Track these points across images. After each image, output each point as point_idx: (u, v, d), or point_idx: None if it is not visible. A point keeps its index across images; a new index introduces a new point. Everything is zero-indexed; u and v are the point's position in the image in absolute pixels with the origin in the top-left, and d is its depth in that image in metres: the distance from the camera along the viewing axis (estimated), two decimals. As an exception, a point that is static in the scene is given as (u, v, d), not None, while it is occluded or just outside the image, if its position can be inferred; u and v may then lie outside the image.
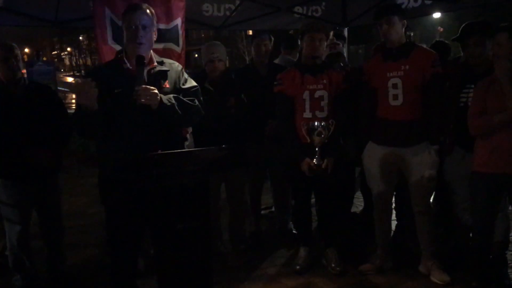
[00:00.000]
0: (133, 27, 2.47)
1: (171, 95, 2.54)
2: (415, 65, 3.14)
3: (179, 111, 2.53)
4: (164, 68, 2.62)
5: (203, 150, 2.61)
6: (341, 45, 4.02)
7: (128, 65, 2.52)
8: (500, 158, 2.81)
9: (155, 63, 2.60)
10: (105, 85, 2.41)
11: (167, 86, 2.59)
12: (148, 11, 2.53)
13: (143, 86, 2.41)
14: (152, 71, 2.57)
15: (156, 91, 2.43)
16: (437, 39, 3.92)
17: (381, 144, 3.29)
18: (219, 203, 3.82)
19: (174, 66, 2.70)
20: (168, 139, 2.57)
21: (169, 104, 2.49)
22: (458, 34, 3.24)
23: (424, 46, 3.48)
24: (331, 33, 3.46)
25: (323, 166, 3.24)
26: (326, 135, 3.17)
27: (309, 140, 3.22)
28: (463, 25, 3.30)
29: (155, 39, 2.61)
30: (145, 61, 2.48)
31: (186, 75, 2.74)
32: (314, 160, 3.23)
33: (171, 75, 2.63)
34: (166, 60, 2.69)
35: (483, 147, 2.90)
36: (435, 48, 3.68)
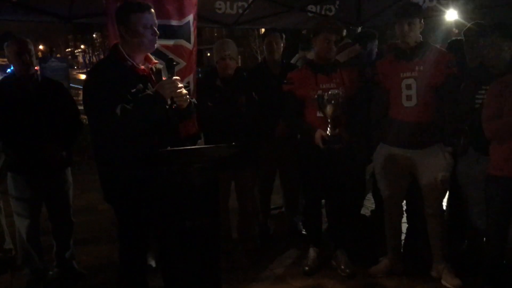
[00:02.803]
0: (150, 25, 2.45)
1: None
2: (429, 65, 3.09)
3: (191, 113, 2.57)
4: (160, 66, 2.62)
5: (213, 147, 2.59)
6: (356, 44, 3.99)
7: (131, 61, 2.47)
8: (516, 161, 2.75)
9: (155, 61, 2.60)
10: (116, 84, 2.37)
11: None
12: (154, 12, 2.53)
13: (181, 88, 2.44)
14: (154, 69, 2.57)
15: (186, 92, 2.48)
16: (454, 38, 3.84)
17: (393, 146, 3.24)
18: (228, 202, 3.81)
19: (163, 64, 2.71)
20: (176, 137, 2.57)
21: (193, 106, 2.56)
22: (466, 34, 3.19)
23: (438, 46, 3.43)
24: (344, 32, 3.40)
25: (337, 147, 3.18)
26: (337, 103, 3.10)
27: (321, 113, 3.17)
28: (471, 24, 3.25)
29: None
30: (174, 63, 2.51)
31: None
32: (328, 132, 3.16)
33: (165, 72, 2.63)
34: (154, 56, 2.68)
35: (499, 150, 2.84)
36: (452, 47, 3.62)
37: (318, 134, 3.20)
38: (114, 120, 2.31)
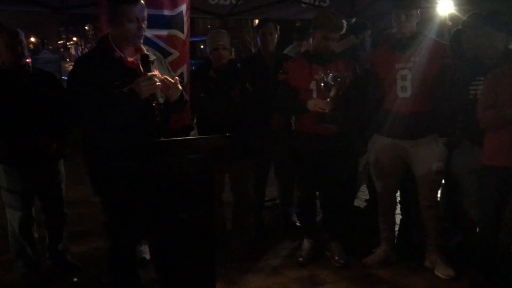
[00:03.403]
0: (136, 19, 2.41)
1: None
2: (424, 56, 3.08)
3: (183, 106, 2.56)
4: (152, 57, 2.55)
5: (207, 138, 2.59)
6: (352, 35, 3.97)
7: (120, 53, 2.44)
8: (510, 151, 2.76)
9: (146, 52, 2.53)
10: (99, 76, 2.35)
11: (159, 75, 2.52)
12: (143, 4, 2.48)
13: (168, 78, 2.40)
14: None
15: (179, 85, 2.44)
16: (457, 28, 3.81)
17: (388, 136, 3.24)
18: (223, 193, 3.80)
19: (157, 54, 2.67)
20: (164, 127, 2.55)
21: (185, 99, 2.52)
22: (463, 25, 3.17)
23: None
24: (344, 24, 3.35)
25: (333, 128, 3.17)
26: (340, 89, 3.06)
27: (316, 94, 3.14)
28: (469, 14, 3.24)
29: None
30: (150, 59, 2.44)
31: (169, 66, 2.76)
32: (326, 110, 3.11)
33: (157, 64, 2.59)
34: (148, 48, 2.63)
35: (493, 140, 2.85)
36: (455, 38, 3.59)
37: (313, 101, 3.15)
38: (91, 113, 2.30)
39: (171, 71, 2.74)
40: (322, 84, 3.10)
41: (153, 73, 2.38)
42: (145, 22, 2.47)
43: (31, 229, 3.32)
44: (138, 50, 2.51)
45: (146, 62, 2.40)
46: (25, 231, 3.25)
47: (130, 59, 2.45)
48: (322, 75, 3.10)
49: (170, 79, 2.43)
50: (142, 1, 2.46)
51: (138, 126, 2.42)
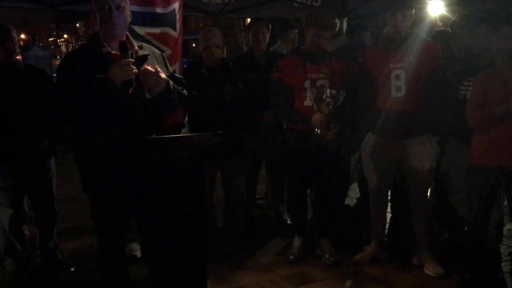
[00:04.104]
0: (106, 7, 2.36)
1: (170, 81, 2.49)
2: (418, 56, 3.11)
3: (175, 100, 2.50)
4: (145, 52, 2.53)
5: (198, 135, 2.59)
6: (343, 34, 3.98)
7: (108, 48, 2.40)
8: (497, 151, 2.80)
9: (136, 47, 2.50)
10: (85, 70, 2.33)
11: (149, 68, 2.48)
12: None
13: (148, 67, 2.34)
14: (134, 55, 2.46)
15: (163, 74, 2.37)
16: (438, 29, 3.88)
17: (381, 135, 3.26)
18: (214, 191, 3.81)
19: (153, 50, 2.63)
20: (155, 125, 2.51)
21: (172, 89, 2.43)
22: (452, 26, 3.21)
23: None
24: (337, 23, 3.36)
25: (329, 137, 3.18)
26: (335, 106, 3.08)
27: (316, 109, 3.14)
28: (458, 15, 3.28)
29: (129, 20, 2.50)
30: (128, 46, 2.37)
31: (168, 62, 2.70)
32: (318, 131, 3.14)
33: (152, 59, 2.54)
34: (145, 45, 2.62)
35: (480, 139, 2.89)
36: (436, 38, 3.65)
37: (318, 116, 3.13)
38: (73, 106, 2.29)
39: (169, 68, 2.69)
40: (317, 98, 3.11)
41: (129, 59, 2.31)
42: (119, 9, 2.37)
43: (21, 227, 3.30)
44: (130, 44, 2.47)
45: (123, 49, 2.33)
46: (15, 228, 3.24)
47: (115, 52, 2.40)
48: (315, 95, 3.12)
49: (149, 68, 2.35)
50: None
51: (127, 123, 2.40)
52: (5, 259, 3.32)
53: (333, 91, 3.09)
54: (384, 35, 3.31)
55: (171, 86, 2.43)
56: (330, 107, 3.07)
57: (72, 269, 3.39)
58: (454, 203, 3.31)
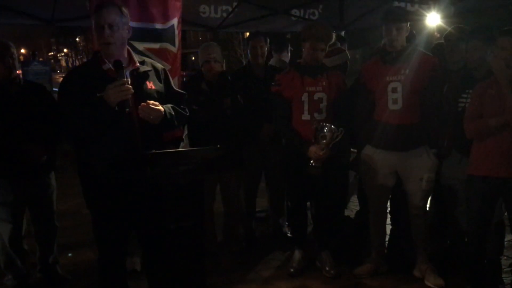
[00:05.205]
0: (99, 26, 2.37)
1: (170, 105, 2.51)
2: (415, 69, 3.13)
3: (175, 123, 2.53)
4: (146, 68, 2.54)
5: (198, 149, 2.61)
6: (345, 51, 4.01)
7: (109, 65, 2.40)
8: (494, 161, 2.80)
9: (137, 64, 2.50)
10: (86, 87, 2.34)
11: (153, 87, 2.52)
12: (116, 8, 2.39)
13: (146, 104, 2.35)
14: (135, 72, 2.48)
15: (160, 107, 2.39)
16: (437, 42, 3.90)
17: (380, 148, 3.27)
18: (214, 204, 3.81)
19: (156, 65, 2.64)
20: (155, 141, 2.52)
21: (169, 117, 2.46)
22: (446, 38, 3.25)
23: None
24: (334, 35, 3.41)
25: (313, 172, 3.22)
26: (331, 142, 3.14)
27: (313, 140, 3.18)
28: (453, 27, 3.32)
29: (128, 36, 2.49)
30: (123, 65, 2.36)
31: (170, 77, 2.71)
32: (311, 162, 3.20)
33: (154, 75, 2.56)
34: (148, 60, 2.63)
35: (478, 150, 2.90)
36: (436, 50, 3.67)
37: (313, 148, 3.19)
38: (68, 122, 2.32)
39: (172, 83, 2.70)
40: (316, 130, 3.16)
41: (124, 79, 2.30)
42: (113, 27, 2.36)
43: (21, 242, 3.30)
44: (131, 61, 2.49)
45: (118, 69, 2.32)
46: (15, 244, 3.23)
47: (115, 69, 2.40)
48: (315, 126, 3.16)
49: (150, 106, 2.35)
50: (109, 7, 2.37)
51: (126, 138, 2.41)
52: (5, 275, 3.31)
53: (332, 126, 3.14)
54: (380, 48, 3.33)
55: (168, 115, 2.45)
56: (325, 141, 3.13)
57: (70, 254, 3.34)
58: (456, 215, 3.30)
